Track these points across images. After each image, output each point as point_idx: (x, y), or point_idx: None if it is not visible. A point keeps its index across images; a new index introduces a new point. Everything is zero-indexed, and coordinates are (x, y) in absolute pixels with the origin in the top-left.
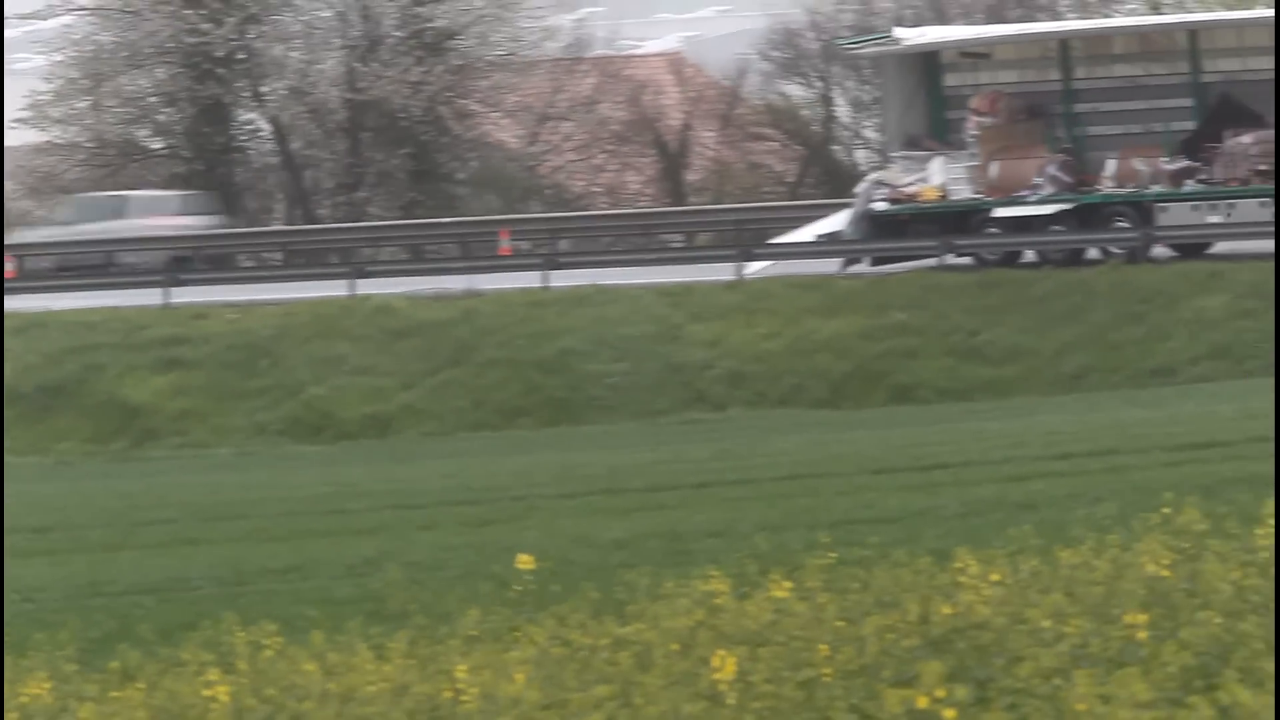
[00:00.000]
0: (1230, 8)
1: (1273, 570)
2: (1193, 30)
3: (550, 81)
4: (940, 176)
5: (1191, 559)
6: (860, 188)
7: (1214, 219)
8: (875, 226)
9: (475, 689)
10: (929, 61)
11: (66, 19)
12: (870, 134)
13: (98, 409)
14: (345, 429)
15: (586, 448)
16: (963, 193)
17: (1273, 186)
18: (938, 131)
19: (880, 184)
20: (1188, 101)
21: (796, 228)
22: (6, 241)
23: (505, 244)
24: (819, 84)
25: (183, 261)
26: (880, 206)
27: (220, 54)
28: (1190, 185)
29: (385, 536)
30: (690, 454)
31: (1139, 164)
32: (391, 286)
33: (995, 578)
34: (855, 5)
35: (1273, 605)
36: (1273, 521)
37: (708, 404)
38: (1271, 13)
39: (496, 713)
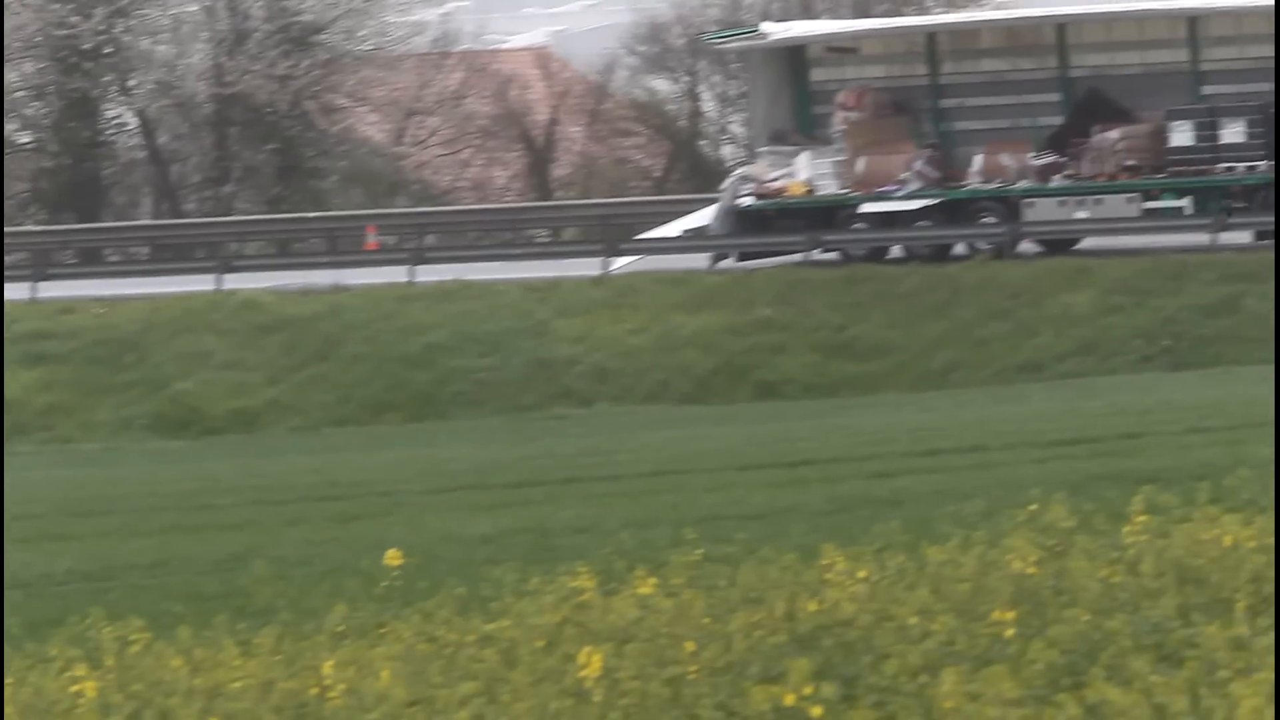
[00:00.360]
0: (1098, 2)
1: (1140, 566)
2: (1060, 24)
3: (417, 76)
4: (807, 172)
5: (1059, 556)
6: (727, 183)
7: (1081, 214)
8: (742, 222)
9: (342, 685)
10: (795, 56)
11: None
12: (737, 129)
13: None
14: (212, 424)
15: (453, 443)
16: (829, 188)
17: (1140, 182)
18: (804, 127)
19: (747, 179)
20: (1055, 96)
21: (663, 223)
22: None
23: (372, 239)
24: (686, 79)
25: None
26: (747, 202)
27: (88, 47)
28: (1057, 181)
29: (252, 532)
30: (556, 449)
31: (1006, 159)
32: (258, 281)
33: (862, 574)
34: (722, 0)
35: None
36: (1141, 518)
37: (574, 399)
38: (1136, 6)
39: (363, 709)
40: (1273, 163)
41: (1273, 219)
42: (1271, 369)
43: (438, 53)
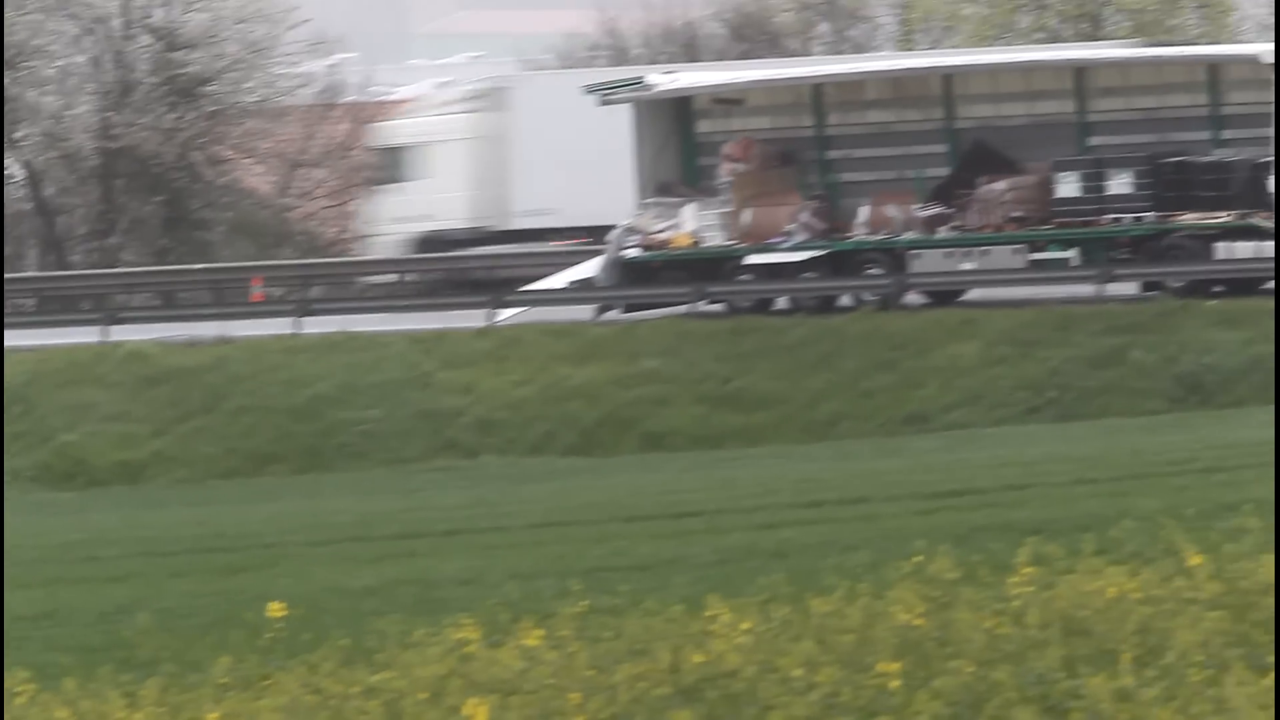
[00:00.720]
0: (983, 51)
1: (1025, 618)
2: (946, 75)
3: (303, 128)
4: (693, 223)
5: (944, 608)
6: (613, 235)
7: (968, 266)
8: (628, 273)
9: None
10: (681, 107)
11: None
12: None
13: None
14: (97, 476)
15: (338, 495)
16: (715, 239)
17: (1026, 233)
18: (690, 178)
19: (633, 230)
20: (941, 148)
21: (549, 274)
22: None
23: (257, 290)
24: None
25: None
26: (633, 253)
27: None
28: (944, 232)
29: (137, 584)
30: (442, 501)
31: (892, 210)
32: (144, 333)
33: (746, 626)
34: (608, 50)
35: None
36: (1027, 570)
37: (460, 451)
38: (1022, 57)
39: None
40: (1158, 213)
41: (1159, 270)
42: (1155, 419)
43: (324, 104)
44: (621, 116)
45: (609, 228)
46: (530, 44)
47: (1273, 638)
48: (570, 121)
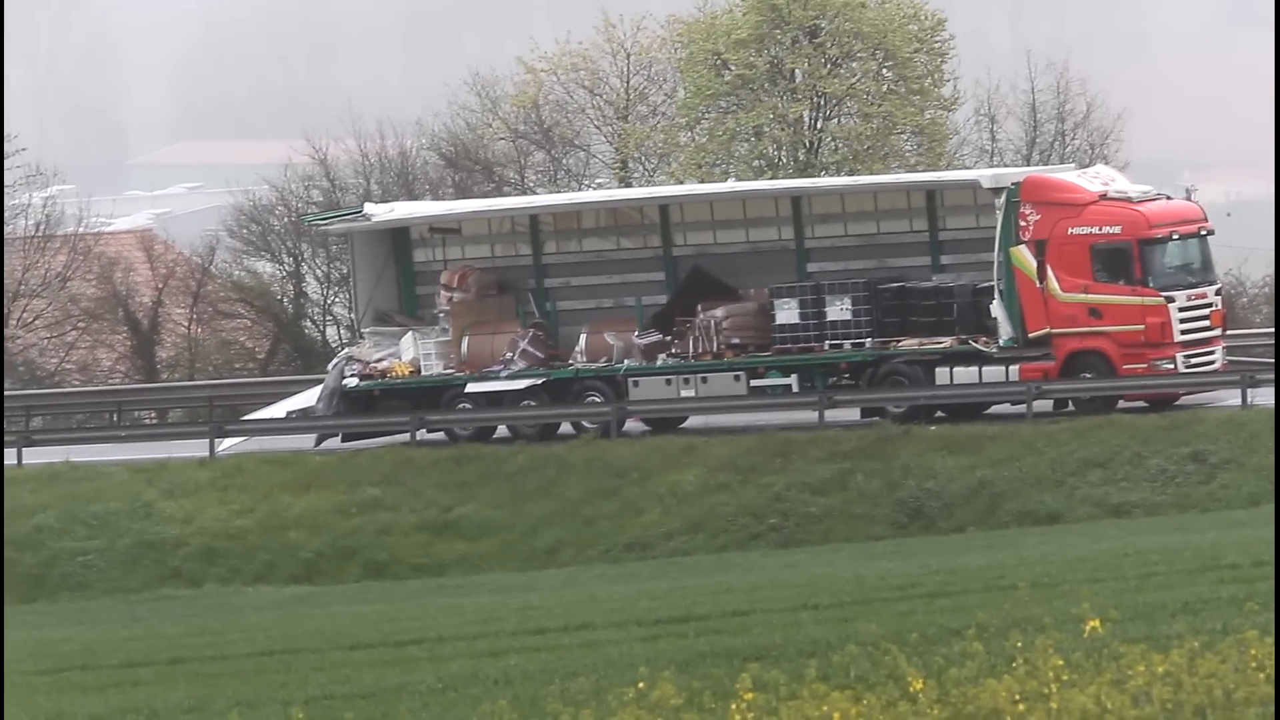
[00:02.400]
0: (702, 181)
1: None
2: (663, 204)
3: (21, 258)
4: (411, 352)
5: None
6: (333, 364)
7: (688, 393)
8: (347, 402)
9: None
10: (398, 237)
11: None
12: (341, 310)
13: None
14: None
15: (61, 625)
16: (434, 368)
17: (745, 360)
18: (408, 307)
19: (352, 359)
20: (660, 275)
21: (269, 404)
22: None
23: None
24: (289, 260)
25: None
26: (352, 382)
27: None
28: (663, 359)
29: None
30: (165, 630)
31: (611, 338)
32: None
33: None
34: (324, 181)
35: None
36: (749, 695)
37: (182, 580)
38: (739, 186)
39: None
40: (878, 339)
41: (879, 396)
42: (878, 545)
43: (42, 235)
44: None
45: None
46: (246, 175)
47: None
48: None
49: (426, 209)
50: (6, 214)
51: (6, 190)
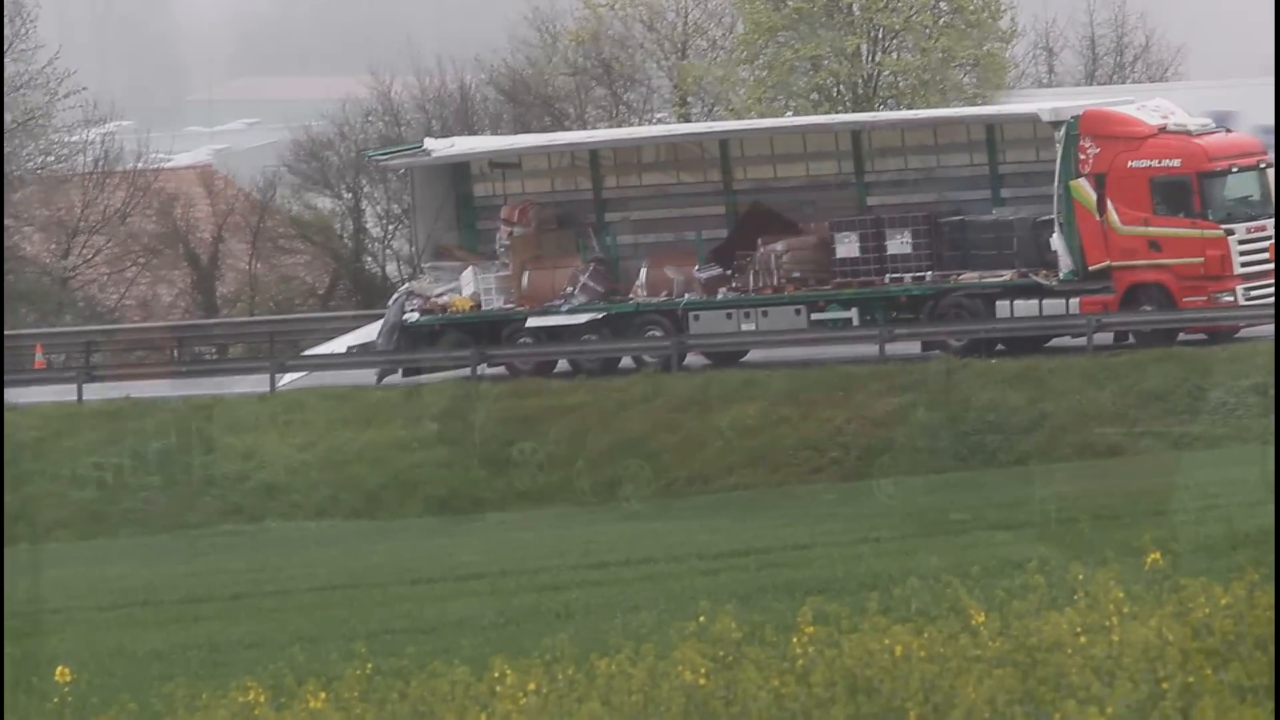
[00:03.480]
0: (761, 115)
1: (811, 677)
2: (723, 139)
3: (81, 195)
4: (472, 287)
5: (729, 667)
6: (393, 299)
7: (748, 327)
8: (408, 337)
9: None
10: (459, 172)
11: None
12: (401, 245)
13: None
14: None
15: (123, 560)
16: (495, 303)
17: (805, 294)
18: (469, 242)
19: (412, 295)
20: (720, 210)
21: (329, 339)
22: None
23: (39, 357)
24: (348, 196)
25: None
26: (412, 317)
27: None
28: (723, 293)
29: None
30: (226, 566)
31: (671, 272)
32: None
33: (532, 686)
34: (384, 117)
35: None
36: (811, 629)
37: (243, 516)
38: (799, 121)
39: None
40: (938, 272)
41: (939, 329)
42: (939, 478)
43: (101, 172)
44: None
45: None
46: (305, 110)
47: (1057, 694)
48: None
49: (487, 144)
50: (66, 150)
51: (65, 129)
